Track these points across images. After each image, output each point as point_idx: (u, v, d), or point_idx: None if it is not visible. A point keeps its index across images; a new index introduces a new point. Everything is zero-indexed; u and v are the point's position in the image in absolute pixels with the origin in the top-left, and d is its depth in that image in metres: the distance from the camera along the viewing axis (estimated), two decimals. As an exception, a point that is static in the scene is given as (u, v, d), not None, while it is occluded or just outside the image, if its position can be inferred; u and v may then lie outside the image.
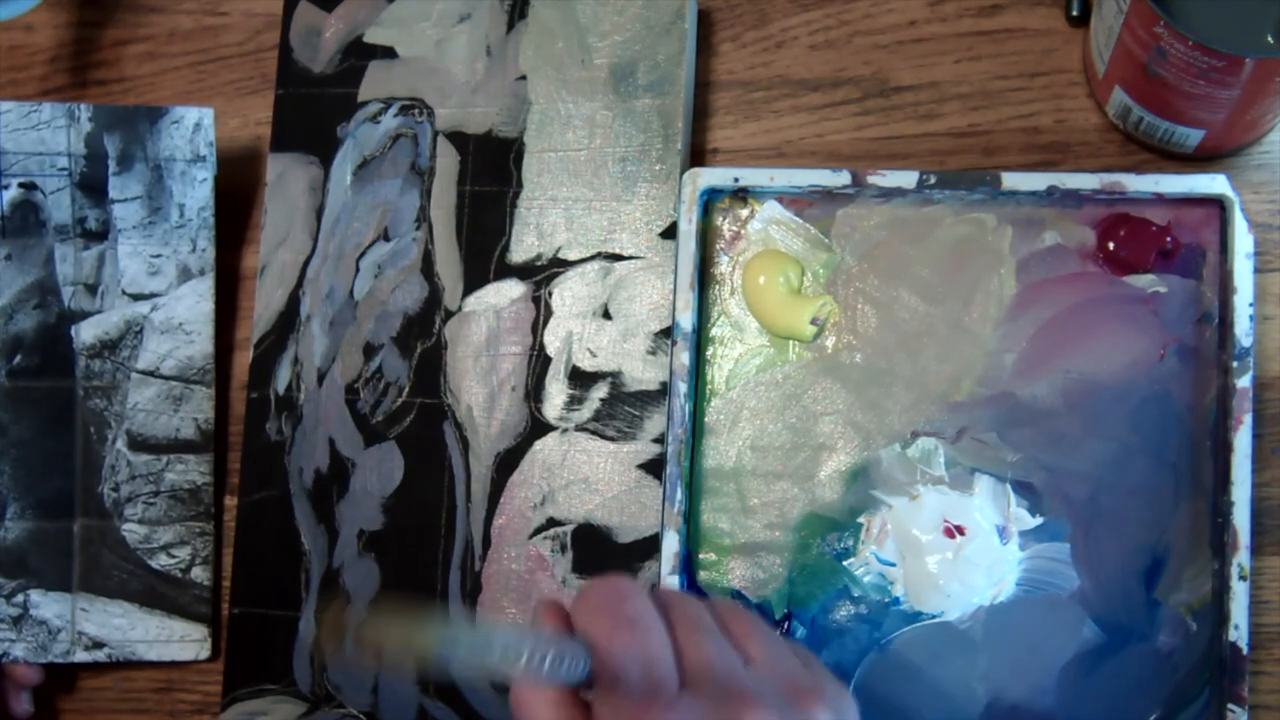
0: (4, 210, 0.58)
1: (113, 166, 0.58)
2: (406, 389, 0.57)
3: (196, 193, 0.59)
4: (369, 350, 0.58)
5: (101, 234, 0.58)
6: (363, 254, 0.58)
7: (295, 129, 0.60)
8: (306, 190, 0.60)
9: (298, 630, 0.57)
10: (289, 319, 0.59)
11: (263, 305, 0.59)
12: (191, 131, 0.59)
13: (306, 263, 0.59)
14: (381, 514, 0.57)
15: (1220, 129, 0.51)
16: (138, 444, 0.58)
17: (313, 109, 0.60)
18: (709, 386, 0.54)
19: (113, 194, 0.59)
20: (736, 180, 0.54)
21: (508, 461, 0.56)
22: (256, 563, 0.58)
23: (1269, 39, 0.49)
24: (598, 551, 0.55)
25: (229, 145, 0.62)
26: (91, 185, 0.58)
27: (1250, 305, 0.49)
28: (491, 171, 0.58)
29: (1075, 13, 0.56)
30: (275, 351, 0.59)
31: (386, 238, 0.58)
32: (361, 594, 0.56)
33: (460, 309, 0.57)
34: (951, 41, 0.57)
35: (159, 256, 0.59)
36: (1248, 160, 0.54)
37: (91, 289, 0.58)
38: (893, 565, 0.52)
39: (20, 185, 0.58)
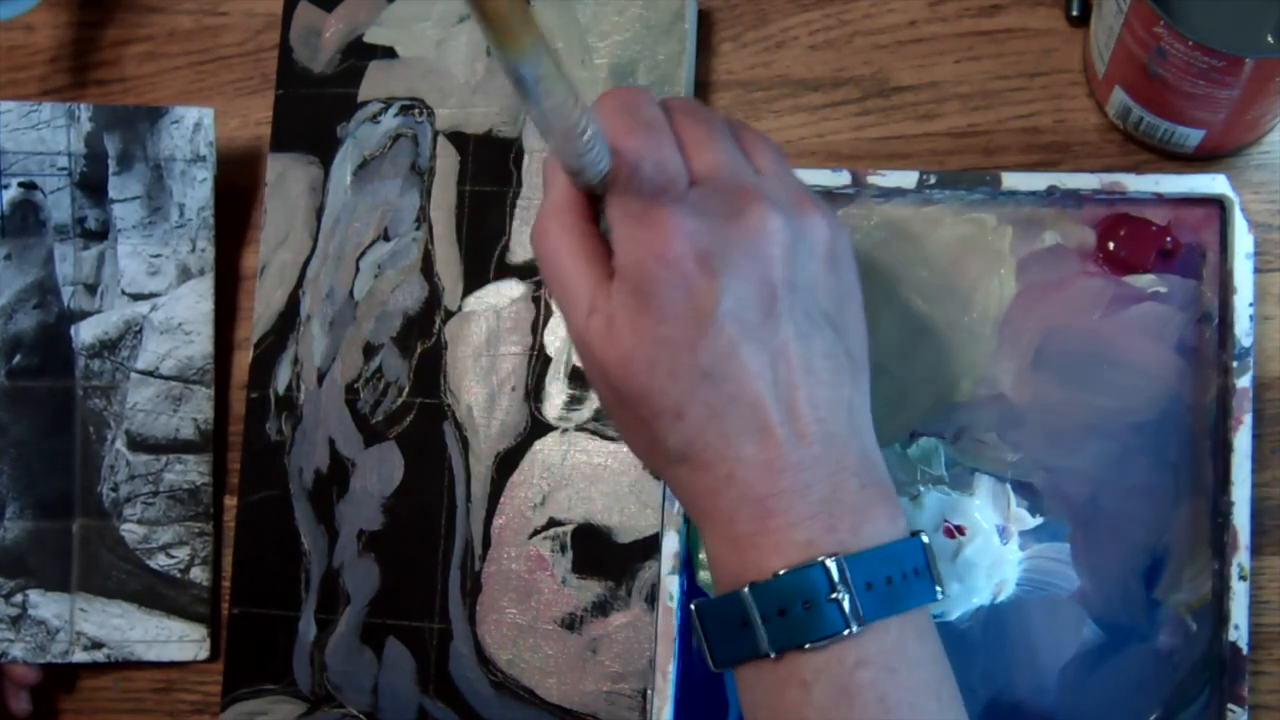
0: (4, 210, 0.58)
1: (113, 166, 0.58)
2: (406, 389, 0.57)
3: (196, 193, 0.59)
4: (369, 350, 0.58)
5: (101, 234, 0.58)
6: (363, 254, 0.58)
7: (295, 129, 0.60)
8: (306, 190, 0.60)
9: (297, 630, 0.57)
10: (289, 319, 0.59)
11: (263, 305, 0.59)
12: (191, 131, 0.59)
13: (306, 263, 0.59)
14: (381, 514, 0.57)
15: (1220, 129, 0.51)
16: (137, 444, 0.58)
17: (313, 109, 0.60)
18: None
19: (113, 194, 0.58)
20: (736, 180, 0.54)
21: (508, 461, 0.56)
22: (256, 563, 0.58)
23: (1269, 39, 0.49)
24: (598, 551, 0.55)
25: (229, 145, 0.62)
26: (91, 185, 0.58)
27: (1250, 305, 0.49)
28: (491, 171, 0.58)
29: (1075, 13, 0.56)
30: (275, 351, 0.59)
31: (386, 238, 0.58)
32: (361, 594, 0.56)
33: (460, 309, 0.57)
34: (951, 41, 0.57)
35: (159, 256, 0.59)
36: (1248, 160, 0.54)
37: (91, 289, 0.58)
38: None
39: (20, 185, 0.58)
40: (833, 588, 0.38)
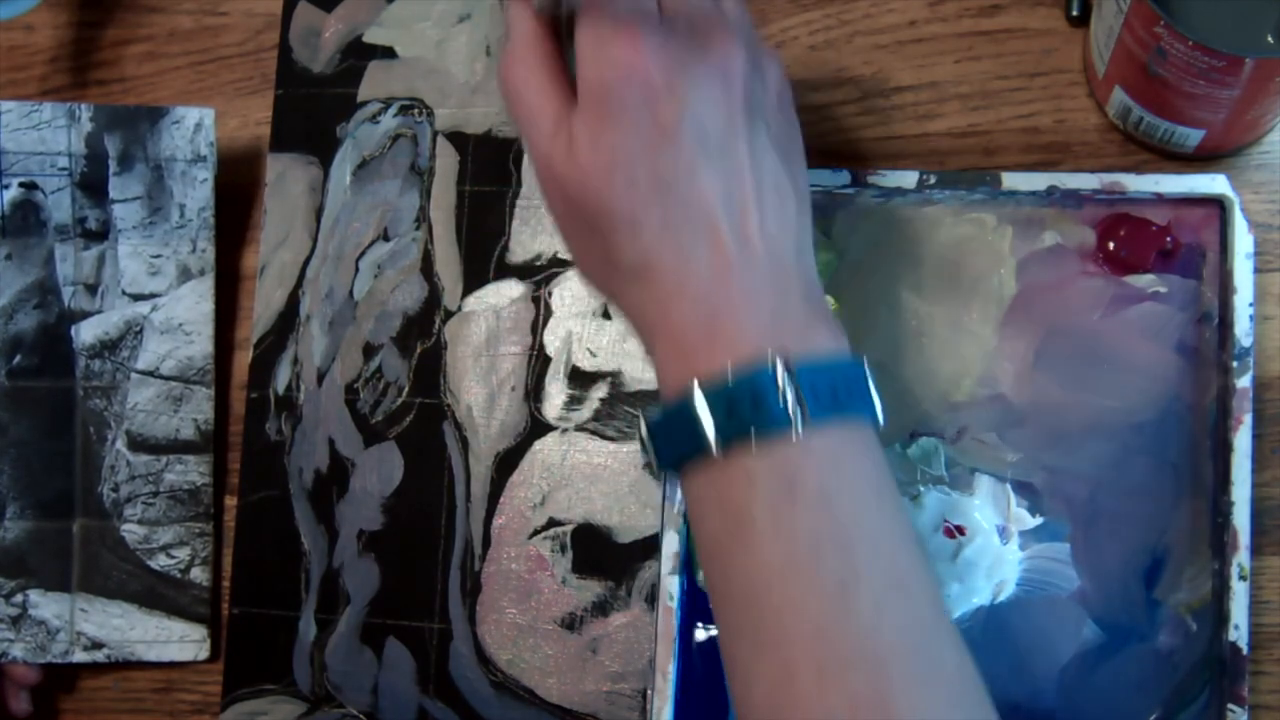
0: (4, 210, 0.58)
1: (113, 166, 0.58)
2: (406, 389, 0.57)
3: (197, 193, 0.59)
4: (369, 350, 0.58)
5: (102, 234, 0.58)
6: (362, 254, 0.58)
7: (295, 129, 0.60)
8: (306, 190, 0.60)
9: (298, 630, 0.57)
10: (289, 319, 0.59)
11: (262, 305, 0.59)
12: (192, 132, 0.59)
13: (306, 263, 0.59)
14: (381, 514, 0.57)
15: (1220, 129, 0.51)
16: (137, 444, 0.58)
17: (312, 109, 0.60)
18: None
19: (113, 194, 0.58)
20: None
21: (507, 461, 0.56)
22: (256, 563, 0.58)
23: (1269, 39, 0.49)
24: (597, 551, 0.55)
25: (229, 145, 0.62)
26: (92, 185, 0.58)
27: (1250, 305, 0.49)
28: (491, 171, 0.58)
29: (1075, 13, 0.56)
30: (275, 351, 0.59)
31: (386, 238, 0.58)
32: (361, 594, 0.56)
33: (460, 309, 0.57)
34: (951, 41, 0.57)
35: (159, 257, 0.59)
36: (1248, 160, 0.54)
37: (92, 289, 0.58)
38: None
39: (21, 185, 0.58)
40: (779, 387, 0.39)
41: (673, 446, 0.41)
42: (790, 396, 0.39)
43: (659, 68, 0.40)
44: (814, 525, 0.38)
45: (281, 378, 0.59)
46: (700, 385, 0.39)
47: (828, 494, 0.39)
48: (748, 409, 0.39)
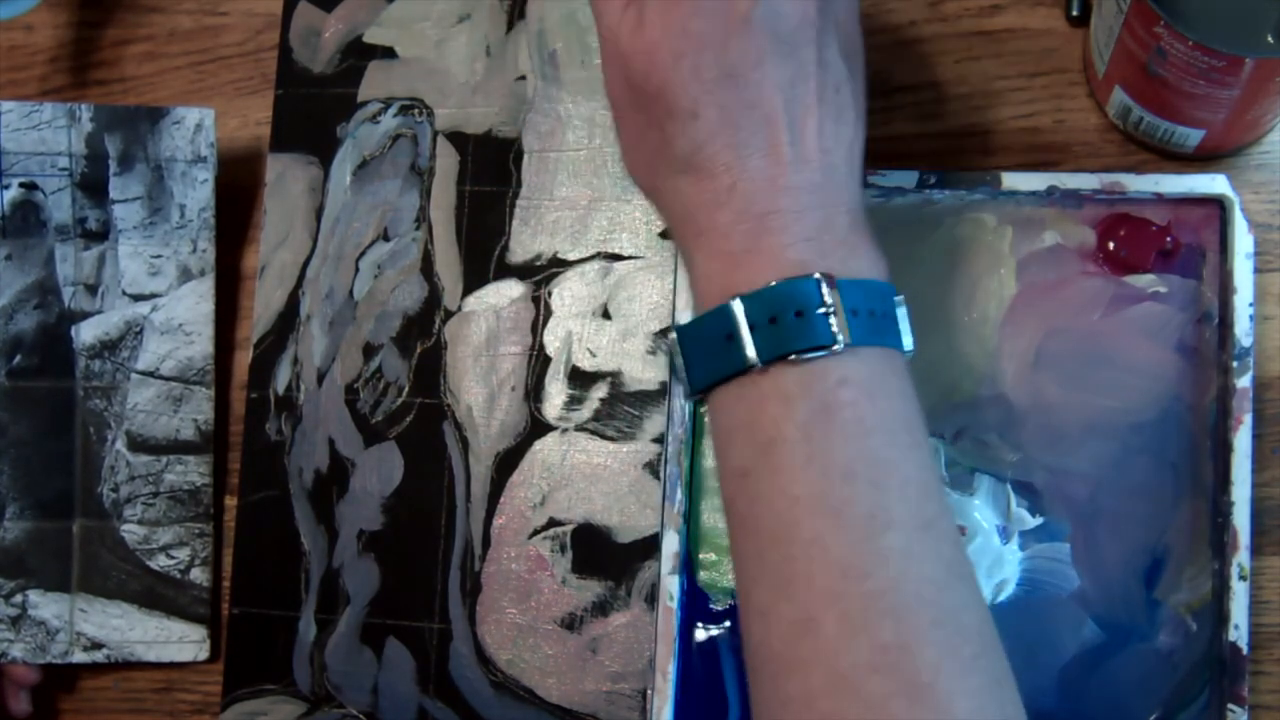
0: (4, 210, 0.58)
1: (113, 167, 0.58)
2: (406, 389, 0.57)
3: (197, 193, 0.59)
4: (369, 350, 0.58)
5: (102, 234, 0.58)
6: (362, 254, 0.58)
7: (295, 129, 0.60)
8: (306, 190, 0.60)
9: (297, 630, 0.57)
10: (289, 319, 0.59)
11: (262, 305, 0.59)
12: (192, 132, 0.59)
13: (306, 263, 0.59)
14: (381, 514, 0.57)
15: (1220, 129, 0.51)
16: (137, 445, 0.58)
17: (312, 109, 0.60)
18: (709, 386, 0.54)
19: (113, 194, 0.58)
20: (736, 180, 0.54)
21: (507, 461, 0.56)
22: (256, 563, 0.58)
23: (1269, 39, 0.49)
24: (597, 551, 0.55)
25: (229, 145, 0.62)
26: (92, 185, 0.58)
27: (1250, 305, 0.49)
28: (491, 171, 0.58)
29: (1075, 13, 0.56)
30: (275, 351, 0.59)
31: (386, 238, 0.58)
32: (361, 594, 0.56)
33: (460, 309, 0.57)
34: (951, 41, 0.57)
35: (159, 257, 0.59)
36: (1248, 160, 0.54)
37: (92, 289, 0.58)
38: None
39: (21, 185, 0.58)
40: (824, 304, 0.38)
41: (707, 361, 0.40)
42: (834, 316, 0.38)
43: None
44: (848, 456, 0.37)
45: (281, 378, 0.59)
46: (744, 298, 0.39)
47: (863, 422, 0.38)
48: (792, 321, 0.38)
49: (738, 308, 0.39)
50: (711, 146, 0.40)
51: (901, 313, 0.41)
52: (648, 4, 0.40)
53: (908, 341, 0.41)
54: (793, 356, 0.38)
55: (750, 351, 0.38)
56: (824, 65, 0.41)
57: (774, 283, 0.38)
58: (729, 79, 0.39)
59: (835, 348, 0.38)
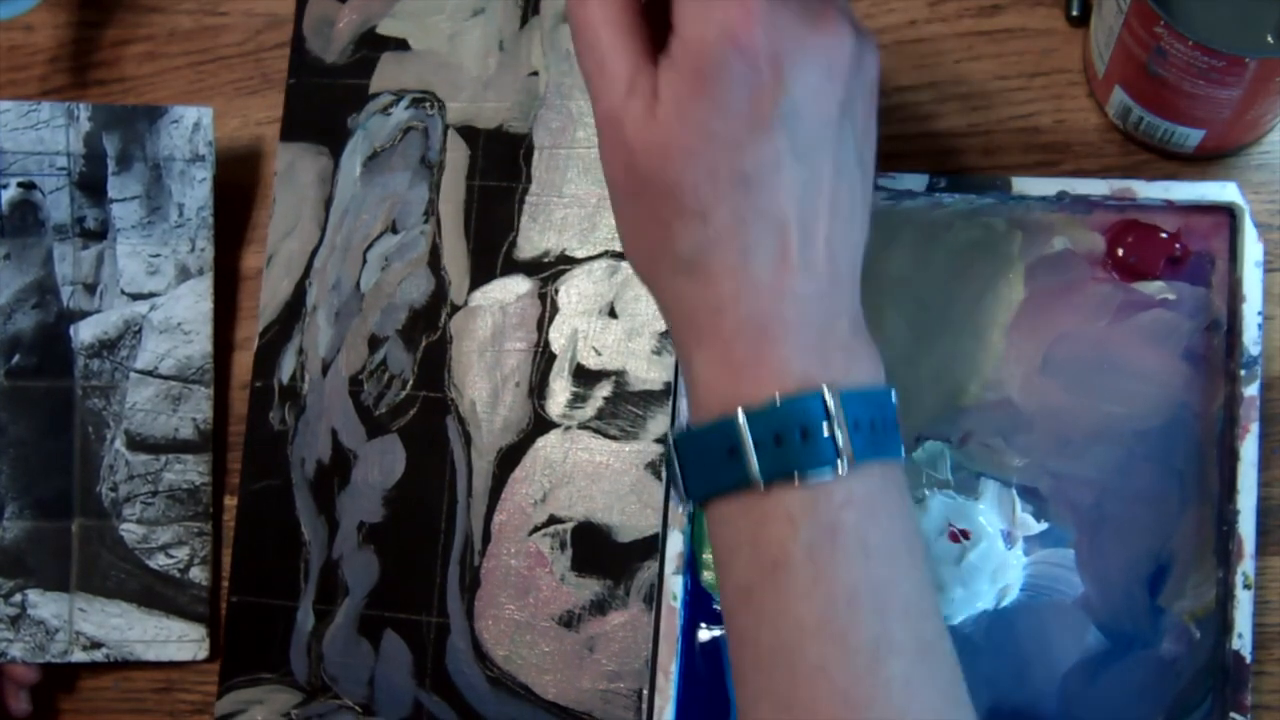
0: (3, 210, 0.57)
1: (112, 166, 0.58)
2: (410, 382, 0.57)
3: (195, 192, 0.59)
4: (374, 342, 0.58)
5: (100, 233, 0.58)
6: (370, 246, 0.58)
7: (306, 119, 0.60)
8: (315, 181, 0.59)
9: (295, 620, 0.56)
10: (295, 309, 0.59)
11: (269, 295, 0.59)
12: (191, 131, 0.59)
13: (314, 253, 0.59)
14: (382, 506, 0.56)
15: (1220, 129, 0.51)
16: (136, 444, 0.58)
17: (324, 99, 0.60)
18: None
19: (112, 193, 0.58)
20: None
21: (510, 457, 0.56)
22: (256, 552, 0.57)
23: (1269, 39, 0.49)
24: (597, 550, 0.54)
25: (229, 145, 0.61)
26: (90, 185, 0.58)
27: (1259, 314, 0.49)
28: (501, 167, 0.58)
29: (1075, 13, 0.56)
30: (280, 341, 0.59)
31: (394, 230, 0.58)
32: (360, 586, 0.56)
33: (466, 304, 0.57)
34: (951, 41, 0.57)
35: (158, 256, 0.58)
36: (1248, 160, 0.54)
37: (90, 288, 0.58)
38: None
39: (19, 185, 0.58)
40: (829, 420, 0.37)
41: (707, 473, 0.39)
42: (839, 434, 0.37)
43: (768, 43, 0.36)
44: (852, 579, 0.37)
45: (286, 367, 0.58)
46: (748, 413, 0.37)
47: (866, 544, 0.37)
48: (797, 442, 0.37)
49: (742, 423, 0.37)
50: (719, 250, 0.38)
51: (897, 410, 0.40)
52: (662, 91, 0.38)
53: (902, 447, 0.40)
54: (797, 480, 0.37)
55: (754, 470, 0.37)
56: (839, 169, 0.39)
57: (778, 398, 0.37)
58: (744, 183, 0.37)
59: (840, 468, 0.37)
